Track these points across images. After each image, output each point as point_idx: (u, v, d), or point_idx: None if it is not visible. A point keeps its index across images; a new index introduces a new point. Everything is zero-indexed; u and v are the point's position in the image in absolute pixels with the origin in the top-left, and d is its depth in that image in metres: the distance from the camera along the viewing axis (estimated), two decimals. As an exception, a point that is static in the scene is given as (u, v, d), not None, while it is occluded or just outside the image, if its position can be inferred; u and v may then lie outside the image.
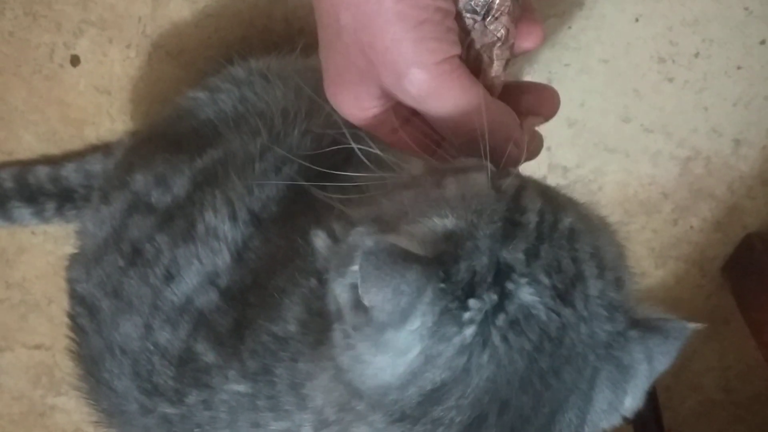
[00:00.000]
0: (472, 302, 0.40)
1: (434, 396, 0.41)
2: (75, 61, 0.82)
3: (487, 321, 0.40)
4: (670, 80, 0.86)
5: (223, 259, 0.59)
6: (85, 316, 0.65)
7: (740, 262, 0.93)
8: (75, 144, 0.86)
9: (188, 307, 0.58)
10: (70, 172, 0.83)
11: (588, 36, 0.84)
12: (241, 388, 0.53)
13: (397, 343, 0.41)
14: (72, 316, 0.68)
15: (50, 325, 0.95)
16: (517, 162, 0.49)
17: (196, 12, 0.81)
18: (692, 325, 0.45)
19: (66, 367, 0.70)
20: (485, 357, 0.41)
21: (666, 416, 0.98)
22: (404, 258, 0.39)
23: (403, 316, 0.40)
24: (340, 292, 0.44)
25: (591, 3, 0.82)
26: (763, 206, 0.92)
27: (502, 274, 0.41)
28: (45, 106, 0.84)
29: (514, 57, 0.51)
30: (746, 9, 0.82)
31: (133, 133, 0.85)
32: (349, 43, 0.46)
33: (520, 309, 0.41)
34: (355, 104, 0.49)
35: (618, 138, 0.89)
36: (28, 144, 0.86)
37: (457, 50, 0.46)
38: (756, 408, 1.03)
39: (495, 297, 0.41)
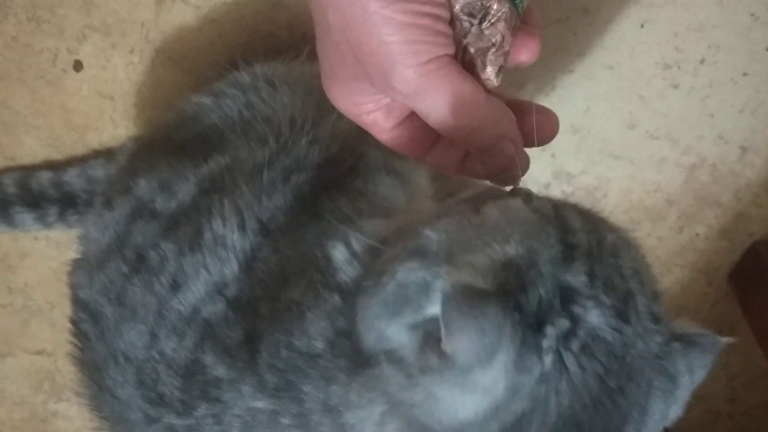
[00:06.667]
0: (548, 329, 0.40)
1: (515, 428, 0.41)
2: (78, 66, 0.82)
3: (561, 347, 0.41)
4: (676, 86, 0.85)
5: (231, 268, 0.58)
6: (88, 321, 0.65)
7: (746, 270, 0.93)
8: (78, 149, 0.86)
9: (195, 317, 0.58)
10: (72, 178, 0.83)
11: (592, 42, 0.84)
12: (260, 404, 0.52)
13: (485, 382, 0.40)
14: (75, 322, 0.67)
15: (52, 331, 0.94)
16: (513, 161, 0.49)
17: (199, 17, 0.81)
18: (725, 340, 0.47)
19: (68, 372, 0.69)
20: (564, 383, 0.41)
21: (672, 426, 0.98)
22: (480, 296, 0.39)
23: (489, 355, 0.39)
24: (394, 333, 0.43)
25: (596, 8, 0.82)
26: (770, 214, 0.92)
27: (567, 298, 0.41)
28: (48, 111, 0.84)
29: (508, 68, 0.51)
30: (752, 15, 0.82)
31: (136, 138, 0.84)
32: (338, 41, 0.46)
33: (589, 332, 0.41)
34: (348, 100, 0.49)
35: (623, 144, 0.88)
36: (31, 149, 0.86)
37: (446, 50, 0.46)
38: (762, 417, 1.03)
39: (567, 322, 0.41)
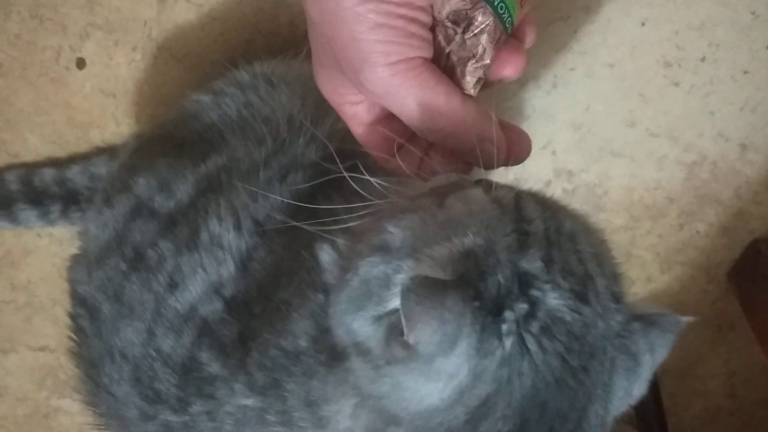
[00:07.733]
0: (507, 314, 0.41)
1: (481, 411, 0.42)
2: (81, 63, 0.83)
3: (521, 330, 0.41)
4: (676, 84, 0.86)
5: (227, 269, 0.59)
6: (86, 317, 0.65)
7: (746, 268, 0.93)
8: (80, 146, 0.87)
9: (192, 315, 0.58)
10: (75, 175, 0.83)
11: (593, 40, 0.84)
12: (249, 401, 0.53)
13: (448, 369, 0.41)
14: (73, 317, 0.68)
15: (55, 328, 0.95)
16: (497, 161, 0.49)
17: (201, 15, 0.81)
18: (685, 319, 0.48)
19: (70, 369, 0.70)
20: (525, 364, 0.42)
21: (671, 422, 0.98)
22: (439, 287, 0.40)
23: (451, 344, 0.40)
24: (359, 326, 0.44)
25: (597, 7, 0.82)
26: (770, 211, 0.92)
27: (524, 283, 0.42)
28: (51, 108, 0.85)
29: (491, 83, 0.51)
30: (753, 13, 0.82)
31: (138, 135, 0.85)
32: (317, 33, 0.47)
33: (548, 314, 0.42)
34: (332, 89, 0.50)
35: (623, 142, 0.88)
36: (34, 146, 0.86)
37: (418, 53, 0.46)
38: (761, 414, 1.03)
39: (525, 306, 0.42)
